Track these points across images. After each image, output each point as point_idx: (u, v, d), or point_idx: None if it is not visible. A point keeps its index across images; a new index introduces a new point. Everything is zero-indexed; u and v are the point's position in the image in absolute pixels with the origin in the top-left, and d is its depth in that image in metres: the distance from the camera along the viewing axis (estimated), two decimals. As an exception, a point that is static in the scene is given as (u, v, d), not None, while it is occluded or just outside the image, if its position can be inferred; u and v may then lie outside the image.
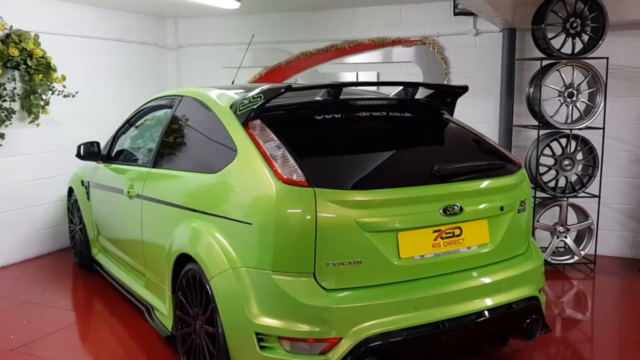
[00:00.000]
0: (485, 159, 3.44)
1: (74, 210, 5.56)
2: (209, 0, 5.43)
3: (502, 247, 3.22)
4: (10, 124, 5.32)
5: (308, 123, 3.27)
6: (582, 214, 5.46)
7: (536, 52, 5.48)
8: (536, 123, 5.45)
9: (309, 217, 2.72)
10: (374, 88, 4.67)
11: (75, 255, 5.63)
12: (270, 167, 2.84)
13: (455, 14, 6.08)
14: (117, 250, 4.65)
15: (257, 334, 2.80)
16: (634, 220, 5.75)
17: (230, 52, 6.89)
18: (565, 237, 5.42)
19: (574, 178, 5.43)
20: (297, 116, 3.34)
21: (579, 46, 5.21)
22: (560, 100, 5.34)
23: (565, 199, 5.42)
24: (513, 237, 3.30)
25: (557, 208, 5.41)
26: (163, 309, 3.73)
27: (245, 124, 3.14)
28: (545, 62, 5.33)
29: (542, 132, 5.44)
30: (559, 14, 5.15)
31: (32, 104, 5.36)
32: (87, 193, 5.17)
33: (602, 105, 5.24)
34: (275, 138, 3.00)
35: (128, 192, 4.14)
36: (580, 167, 5.43)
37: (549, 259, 5.40)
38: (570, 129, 5.29)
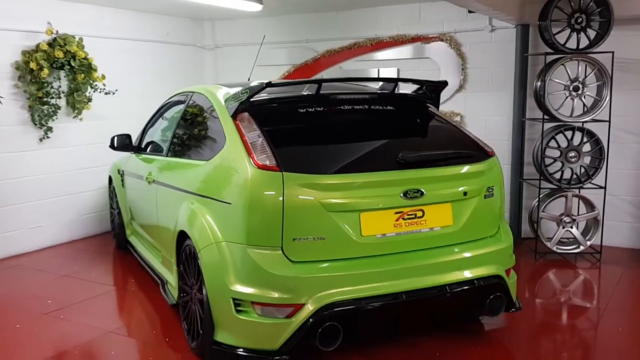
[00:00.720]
0: (453, 148, 3.70)
1: (113, 197, 6.16)
2: (232, 4, 5.86)
3: (467, 229, 3.50)
4: (57, 118, 5.97)
5: (291, 116, 3.64)
6: (588, 205, 5.57)
7: (546, 47, 5.63)
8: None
9: (277, 198, 3.10)
10: (376, 84, 4.96)
11: (114, 237, 6.24)
12: (248, 155, 3.24)
13: (470, 11, 6.27)
14: (142, 231, 5.19)
15: (234, 299, 3.20)
16: (642, 211, 5.81)
17: (262, 51, 7.30)
18: (572, 228, 5.55)
19: (581, 170, 5.55)
20: (282, 109, 3.72)
21: (584, 41, 5.32)
22: (565, 94, 5.47)
23: (571, 190, 5.55)
24: (479, 220, 3.57)
25: (563, 199, 5.55)
26: (172, 280, 4.20)
27: (234, 116, 3.55)
28: (549, 57, 5.47)
29: (550, 124, 5.58)
30: (564, 10, 5.29)
31: (75, 101, 6.00)
32: (122, 181, 5.74)
33: (607, 98, 5.34)
34: (257, 129, 3.39)
35: (147, 179, 4.65)
36: (588, 159, 5.54)
37: (555, 249, 5.56)
38: (575, 122, 5.42)
